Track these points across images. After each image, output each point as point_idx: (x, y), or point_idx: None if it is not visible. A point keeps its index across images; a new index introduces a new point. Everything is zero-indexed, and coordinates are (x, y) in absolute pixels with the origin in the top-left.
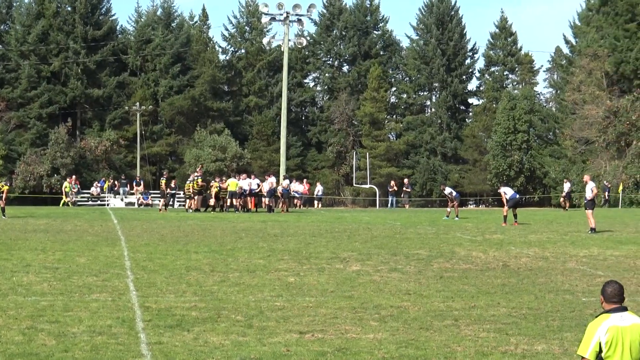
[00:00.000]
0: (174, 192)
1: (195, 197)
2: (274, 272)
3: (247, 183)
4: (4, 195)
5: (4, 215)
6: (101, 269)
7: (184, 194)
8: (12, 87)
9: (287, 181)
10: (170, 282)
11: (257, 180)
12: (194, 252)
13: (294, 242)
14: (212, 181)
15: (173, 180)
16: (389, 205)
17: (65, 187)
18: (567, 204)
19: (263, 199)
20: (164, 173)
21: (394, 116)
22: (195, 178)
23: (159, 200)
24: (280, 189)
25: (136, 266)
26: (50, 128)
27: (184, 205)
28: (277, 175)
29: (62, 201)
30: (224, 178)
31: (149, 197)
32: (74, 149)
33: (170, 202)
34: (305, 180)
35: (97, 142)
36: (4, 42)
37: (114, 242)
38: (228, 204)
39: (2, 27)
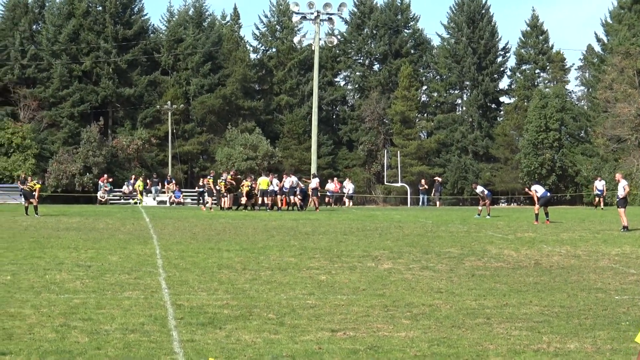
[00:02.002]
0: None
1: (228, 196)
2: (306, 270)
3: (276, 182)
4: (36, 194)
5: (37, 214)
6: (133, 267)
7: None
8: (45, 87)
9: (317, 179)
10: (202, 280)
11: (276, 180)
12: (226, 250)
13: (325, 240)
14: (244, 180)
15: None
16: (420, 203)
17: (139, 185)
18: (601, 203)
19: (292, 198)
20: (211, 172)
21: (425, 114)
22: (225, 178)
23: (208, 199)
24: (310, 187)
25: (168, 264)
26: (82, 127)
27: (217, 204)
28: (306, 174)
29: (137, 199)
30: (252, 176)
31: (181, 195)
32: (105, 148)
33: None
34: (336, 178)
35: (129, 140)
36: (36, 42)
37: (146, 240)
38: (259, 202)
39: (34, 27)
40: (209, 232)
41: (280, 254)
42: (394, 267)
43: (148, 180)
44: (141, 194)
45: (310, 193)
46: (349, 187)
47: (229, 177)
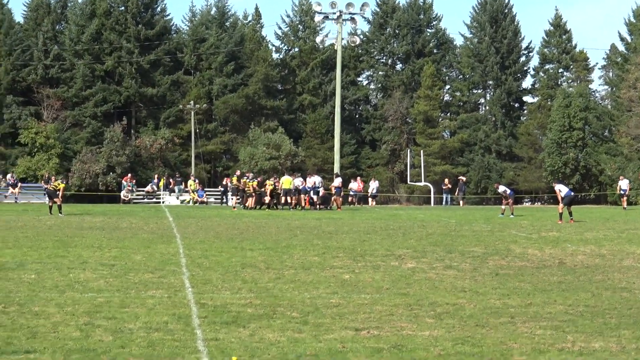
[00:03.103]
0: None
1: (253, 196)
2: (329, 269)
3: (300, 181)
4: (60, 193)
5: (61, 213)
6: (157, 266)
7: (239, 190)
8: (68, 87)
9: (340, 179)
10: (225, 279)
11: (300, 179)
12: (249, 249)
13: (348, 240)
14: (267, 180)
15: (226, 178)
16: (444, 202)
17: (191, 185)
18: (624, 202)
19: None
20: (237, 171)
21: (448, 114)
22: (250, 177)
23: (231, 198)
24: (332, 186)
25: (192, 263)
26: (105, 127)
27: (240, 203)
28: (329, 173)
29: (189, 199)
30: (275, 176)
31: (204, 194)
32: (129, 147)
33: (225, 200)
34: (359, 178)
35: (152, 140)
36: (59, 42)
37: (170, 240)
38: (282, 201)
39: (57, 27)
40: (232, 231)
41: (304, 253)
42: (418, 266)
43: (171, 180)
44: (193, 192)
45: (333, 192)
46: (373, 186)
47: (254, 182)
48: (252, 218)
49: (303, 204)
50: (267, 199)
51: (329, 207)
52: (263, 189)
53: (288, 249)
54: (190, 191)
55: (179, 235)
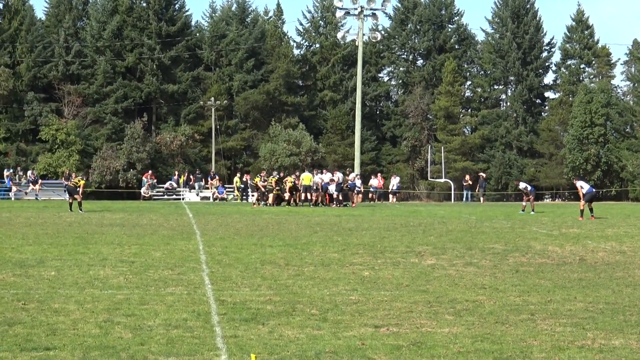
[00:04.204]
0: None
1: (273, 192)
2: (349, 266)
3: (320, 178)
4: (80, 190)
5: (81, 210)
6: (177, 263)
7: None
8: (89, 83)
9: (354, 175)
10: (245, 275)
11: (320, 177)
12: (269, 245)
13: (368, 236)
14: (287, 176)
15: (246, 175)
16: (464, 199)
17: (236, 182)
18: None
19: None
20: (262, 172)
21: (469, 110)
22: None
23: (252, 195)
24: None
25: (211, 260)
26: (125, 123)
27: (260, 199)
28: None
29: (252, 198)
30: (297, 173)
31: (224, 191)
32: (149, 144)
33: (244, 197)
34: (379, 174)
35: (173, 136)
36: (80, 39)
37: (189, 236)
38: (302, 198)
39: (78, 23)
40: (252, 228)
41: (324, 249)
42: (438, 263)
43: (191, 176)
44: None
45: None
46: (393, 182)
47: (275, 178)
48: (272, 215)
49: (322, 201)
50: (286, 196)
51: (347, 204)
52: (282, 186)
53: (308, 246)
54: (235, 188)
55: (199, 232)
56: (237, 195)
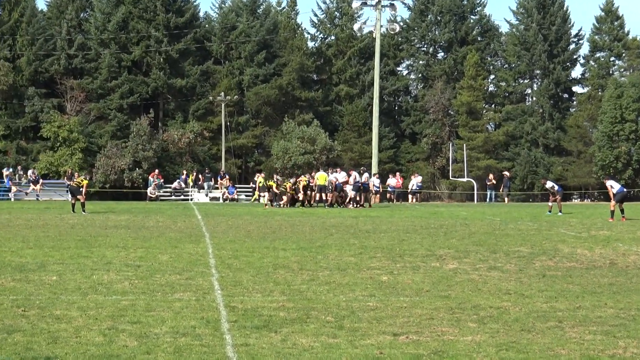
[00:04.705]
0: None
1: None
2: (366, 271)
3: (335, 177)
4: (83, 190)
5: (84, 211)
6: (185, 267)
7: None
8: (92, 78)
9: (367, 174)
10: (256, 280)
11: (335, 175)
12: (282, 249)
13: (387, 239)
14: (301, 175)
15: (258, 174)
16: (488, 199)
17: (260, 182)
18: None
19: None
20: (275, 176)
21: (493, 105)
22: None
23: (263, 195)
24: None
25: (221, 264)
26: (131, 120)
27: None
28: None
29: (258, 198)
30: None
31: (235, 191)
32: (156, 142)
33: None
34: (398, 173)
35: (180, 134)
36: (83, 31)
37: (198, 239)
38: (317, 198)
39: (82, 15)
40: (264, 230)
41: (339, 253)
42: (460, 267)
43: (200, 176)
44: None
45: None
46: (414, 181)
47: (289, 183)
48: (285, 216)
49: (337, 201)
50: (300, 196)
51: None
52: (297, 186)
53: (323, 249)
54: (257, 188)
55: (208, 234)
56: (261, 196)
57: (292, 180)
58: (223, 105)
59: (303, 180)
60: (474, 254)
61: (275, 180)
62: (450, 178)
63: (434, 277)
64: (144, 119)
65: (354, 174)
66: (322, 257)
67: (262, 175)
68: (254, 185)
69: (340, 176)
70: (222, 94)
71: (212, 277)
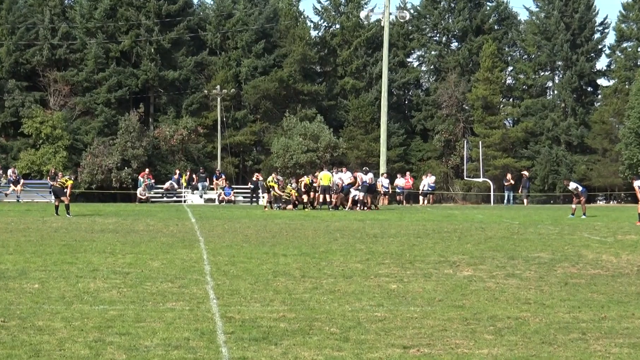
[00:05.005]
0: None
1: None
2: (374, 278)
3: (340, 177)
4: (68, 191)
5: (69, 214)
6: (177, 274)
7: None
8: (77, 70)
9: (371, 174)
10: (255, 289)
11: (349, 174)
12: (283, 255)
13: (396, 244)
14: (304, 176)
15: (256, 174)
16: (505, 201)
17: (270, 182)
18: None
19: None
20: (274, 175)
21: (511, 99)
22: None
23: (263, 196)
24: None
25: (217, 271)
26: (119, 115)
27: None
28: (373, 167)
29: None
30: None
31: (232, 192)
32: (146, 139)
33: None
34: (408, 173)
35: (173, 130)
36: (68, 19)
37: (192, 244)
38: (320, 200)
39: (66, 1)
40: (264, 235)
41: (345, 259)
42: (475, 274)
43: (194, 176)
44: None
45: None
46: (425, 182)
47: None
48: (286, 219)
49: (342, 204)
50: (304, 198)
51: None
52: (298, 186)
53: (327, 255)
54: (267, 188)
55: (203, 238)
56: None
57: (294, 185)
58: (219, 99)
59: (306, 180)
60: (490, 260)
61: (275, 180)
62: (465, 178)
63: (447, 285)
64: (133, 114)
65: (359, 174)
66: (326, 263)
67: (276, 174)
68: (251, 186)
69: (345, 177)
70: (218, 87)
71: (207, 285)
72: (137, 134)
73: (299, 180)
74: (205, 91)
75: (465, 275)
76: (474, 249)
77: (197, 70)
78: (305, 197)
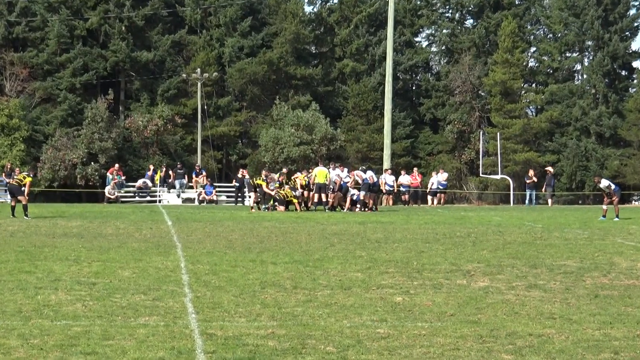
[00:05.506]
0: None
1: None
2: (376, 290)
3: (338, 174)
4: (26, 190)
5: (27, 216)
6: (151, 285)
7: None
8: (38, 50)
9: (371, 172)
10: (240, 302)
11: (339, 170)
12: (272, 262)
13: (401, 250)
14: (297, 172)
15: (242, 170)
16: (527, 201)
17: (259, 179)
18: None
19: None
20: (263, 172)
21: (534, 85)
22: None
23: (249, 195)
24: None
25: (196, 281)
26: (85, 102)
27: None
28: (376, 162)
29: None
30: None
31: (214, 191)
32: (116, 130)
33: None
34: (415, 168)
35: (147, 120)
36: None
37: (168, 250)
38: (315, 199)
39: None
40: (250, 240)
41: (343, 267)
42: (492, 285)
43: (171, 172)
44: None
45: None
46: (435, 179)
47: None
48: (276, 222)
49: (339, 204)
50: (304, 193)
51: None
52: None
53: (322, 263)
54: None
55: (180, 244)
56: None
57: (286, 187)
58: (199, 84)
59: (301, 178)
60: (509, 269)
61: (264, 178)
62: (481, 175)
63: (460, 298)
64: (101, 101)
65: (358, 174)
66: (321, 272)
67: (285, 170)
68: (236, 184)
69: (343, 174)
70: (198, 70)
71: (184, 297)
72: (106, 124)
73: (293, 177)
74: (184, 75)
75: (481, 286)
76: (490, 256)
77: (175, 51)
78: (299, 192)
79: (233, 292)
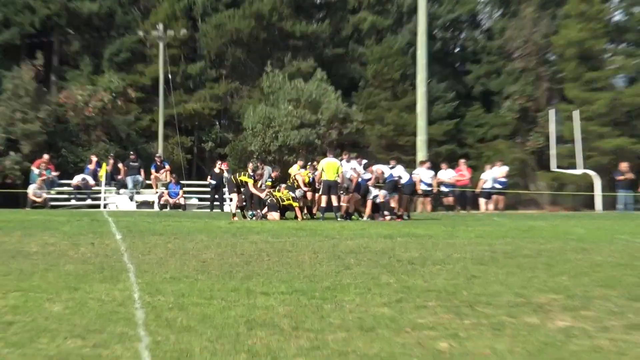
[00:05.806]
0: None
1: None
2: (410, 332)
3: (352, 167)
4: None
5: None
6: (91, 325)
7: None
8: None
9: (400, 168)
10: (217, 349)
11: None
12: (262, 293)
13: (445, 275)
14: (295, 165)
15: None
16: (619, 205)
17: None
18: None
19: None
20: (249, 165)
21: (623, 46)
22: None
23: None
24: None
25: (155, 319)
26: (5, 70)
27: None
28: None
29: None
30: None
31: (181, 191)
32: (46, 107)
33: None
34: (462, 161)
35: (88, 94)
36: None
37: (116, 275)
38: (323, 203)
39: None
40: (232, 260)
41: (363, 300)
42: (576, 324)
43: (121, 165)
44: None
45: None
46: (490, 176)
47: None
48: (269, 235)
49: (356, 210)
50: (307, 194)
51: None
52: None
53: (334, 294)
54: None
55: (134, 266)
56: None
57: (282, 186)
58: (161, 45)
59: (304, 174)
60: (600, 303)
61: (250, 173)
62: (554, 169)
63: (531, 344)
64: (26, 68)
65: (378, 169)
66: (332, 307)
67: (300, 163)
68: (212, 182)
69: (360, 168)
70: (161, 26)
71: (139, 343)
72: (32, 100)
73: (292, 175)
74: (141, 33)
75: (560, 326)
76: (572, 284)
77: (128, 1)
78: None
79: (207, 335)
